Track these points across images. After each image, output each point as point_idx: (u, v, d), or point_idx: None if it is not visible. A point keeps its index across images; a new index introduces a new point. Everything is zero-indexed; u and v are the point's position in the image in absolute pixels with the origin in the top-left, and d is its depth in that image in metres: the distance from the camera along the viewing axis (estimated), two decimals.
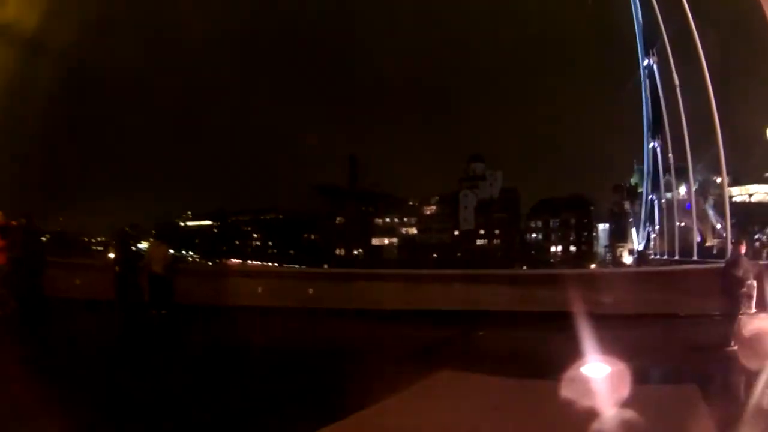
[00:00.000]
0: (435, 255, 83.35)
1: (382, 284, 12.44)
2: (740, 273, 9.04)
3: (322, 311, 12.51)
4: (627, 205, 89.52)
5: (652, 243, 59.65)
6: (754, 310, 9.00)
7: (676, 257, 44.63)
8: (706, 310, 10.43)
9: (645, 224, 59.94)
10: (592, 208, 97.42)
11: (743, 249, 9.76)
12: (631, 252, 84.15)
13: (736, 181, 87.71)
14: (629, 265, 78.02)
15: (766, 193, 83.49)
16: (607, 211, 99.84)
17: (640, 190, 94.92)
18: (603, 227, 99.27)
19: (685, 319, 10.86)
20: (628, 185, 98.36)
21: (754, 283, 9.09)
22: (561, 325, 8.46)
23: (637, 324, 10.46)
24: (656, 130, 46.24)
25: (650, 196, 57.48)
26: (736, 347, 8.13)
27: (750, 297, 9.08)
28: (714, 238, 53.83)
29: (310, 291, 13.48)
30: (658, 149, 45.84)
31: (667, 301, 10.38)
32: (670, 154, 33.96)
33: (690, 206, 52.87)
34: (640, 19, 40.74)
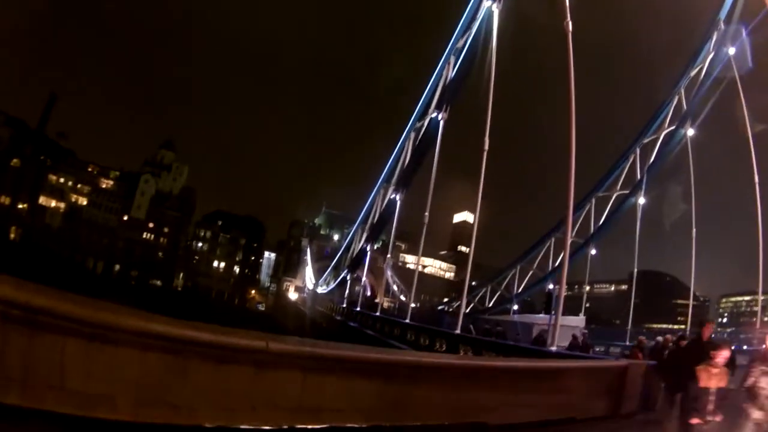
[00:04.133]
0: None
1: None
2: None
3: None
4: (305, 243, 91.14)
5: (346, 289, 60.31)
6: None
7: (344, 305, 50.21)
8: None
9: (346, 269, 60.17)
10: (265, 234, 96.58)
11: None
12: (299, 289, 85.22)
13: (412, 251, 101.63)
14: (297, 301, 78.32)
15: (438, 267, 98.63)
16: (277, 242, 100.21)
17: (323, 232, 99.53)
18: (269, 256, 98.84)
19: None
20: (311, 224, 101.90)
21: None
22: None
23: None
24: (404, 182, 46.80)
25: (361, 245, 58.31)
26: None
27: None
28: (385, 296, 57.86)
29: None
30: (399, 202, 46.39)
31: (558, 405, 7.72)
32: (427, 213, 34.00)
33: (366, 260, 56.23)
34: (452, 75, 40.98)
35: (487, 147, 24.20)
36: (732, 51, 32.33)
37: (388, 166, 51.08)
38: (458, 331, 22.71)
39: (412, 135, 48.01)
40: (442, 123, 37.13)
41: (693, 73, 36.16)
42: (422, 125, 46.58)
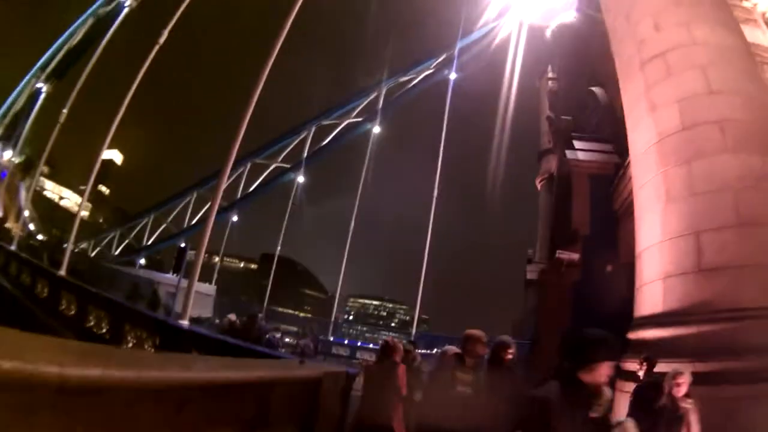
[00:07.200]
0: None
1: None
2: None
3: None
4: None
5: None
6: None
7: None
8: None
9: None
10: None
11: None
12: None
13: (54, 177, 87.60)
14: None
15: (75, 203, 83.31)
16: None
17: None
18: None
19: None
20: None
21: None
22: None
23: None
24: (58, 74, 38.31)
25: None
26: None
27: None
28: (18, 222, 47.38)
29: None
30: (43, 92, 37.89)
31: None
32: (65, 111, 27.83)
33: (5, 175, 46.10)
34: None
35: (162, 40, 20.01)
36: (453, 76, 32.27)
37: (49, 50, 41.12)
38: (63, 273, 18.37)
39: (90, 20, 39.59)
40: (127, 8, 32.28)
41: (405, 78, 35.73)
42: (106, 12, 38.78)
